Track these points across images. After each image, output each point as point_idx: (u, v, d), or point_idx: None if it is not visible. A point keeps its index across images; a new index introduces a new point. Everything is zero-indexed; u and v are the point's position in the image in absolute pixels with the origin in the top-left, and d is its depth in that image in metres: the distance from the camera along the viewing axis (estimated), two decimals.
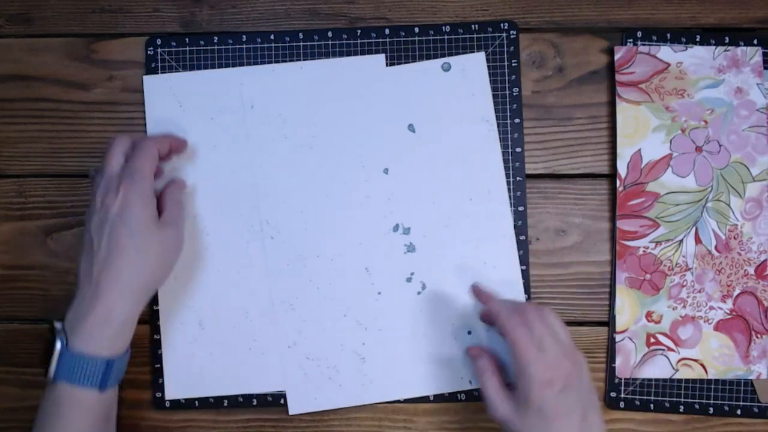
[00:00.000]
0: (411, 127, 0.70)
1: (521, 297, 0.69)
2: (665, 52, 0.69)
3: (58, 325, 0.59)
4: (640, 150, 0.69)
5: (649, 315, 0.69)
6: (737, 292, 0.69)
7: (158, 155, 0.63)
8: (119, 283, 0.59)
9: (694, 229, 0.69)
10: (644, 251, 0.69)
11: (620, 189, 0.69)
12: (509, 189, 0.70)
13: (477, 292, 0.67)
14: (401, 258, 0.69)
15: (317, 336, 0.69)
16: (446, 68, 0.70)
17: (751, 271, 0.68)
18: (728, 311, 0.68)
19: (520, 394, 0.57)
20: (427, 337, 0.69)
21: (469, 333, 0.69)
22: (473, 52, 0.71)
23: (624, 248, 0.69)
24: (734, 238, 0.68)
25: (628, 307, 0.69)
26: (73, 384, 0.57)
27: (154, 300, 0.70)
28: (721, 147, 0.69)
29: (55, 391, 0.58)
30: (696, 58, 0.69)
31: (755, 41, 0.69)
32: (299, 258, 0.70)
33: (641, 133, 0.69)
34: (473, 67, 0.70)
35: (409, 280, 0.69)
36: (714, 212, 0.69)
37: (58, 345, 0.57)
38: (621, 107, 0.69)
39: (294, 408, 0.69)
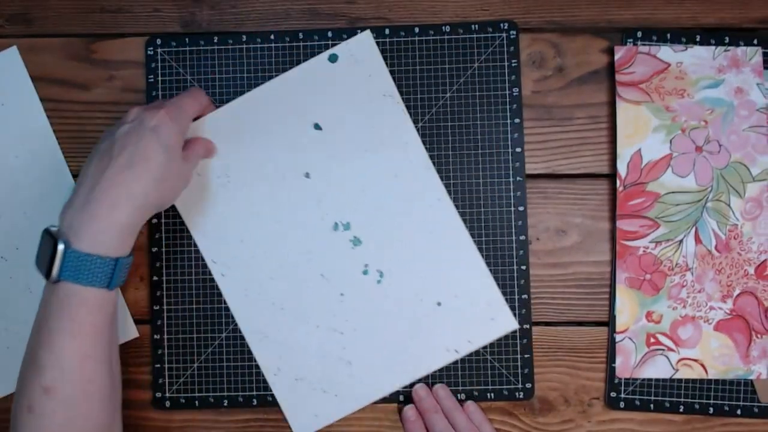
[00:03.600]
0: (317, 126, 0.70)
1: (477, 259, 0.69)
2: (665, 52, 0.69)
3: (53, 228, 0.59)
4: (640, 150, 0.69)
5: (649, 315, 0.69)
6: (737, 292, 0.69)
7: (200, 109, 0.66)
8: (132, 192, 0.59)
9: (694, 229, 0.69)
10: (644, 251, 0.69)
11: (620, 189, 0.69)
12: (509, 189, 0.70)
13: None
14: (350, 253, 0.69)
15: (298, 355, 0.69)
16: (333, 59, 0.70)
17: (751, 271, 0.68)
18: (728, 311, 0.68)
19: None
20: (401, 319, 0.69)
21: (439, 304, 0.69)
22: (473, 51, 0.71)
23: (624, 248, 0.69)
24: (734, 238, 0.68)
25: (628, 307, 0.69)
26: (80, 283, 0.57)
27: (154, 300, 0.70)
28: (721, 147, 0.69)
29: (60, 290, 0.57)
30: (696, 58, 0.69)
31: (755, 41, 0.69)
32: (255, 285, 0.70)
33: (641, 133, 0.69)
34: (362, 49, 0.70)
35: (365, 272, 0.69)
36: (714, 212, 0.69)
37: (61, 246, 0.57)
38: (621, 107, 0.69)
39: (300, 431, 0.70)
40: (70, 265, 0.57)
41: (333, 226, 0.70)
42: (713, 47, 0.69)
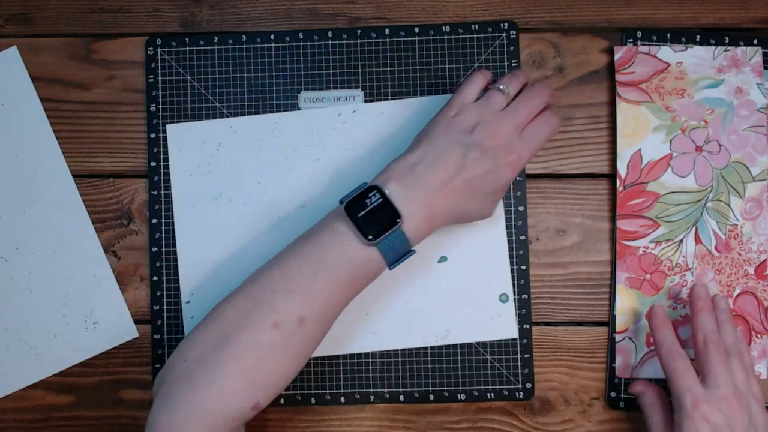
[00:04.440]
0: None
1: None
2: (665, 52, 0.69)
3: (384, 188, 0.59)
4: (640, 150, 0.69)
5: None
6: (737, 292, 0.69)
7: None
8: (458, 212, 0.61)
9: (694, 229, 0.69)
10: (644, 251, 0.69)
11: (620, 189, 0.69)
12: (509, 189, 0.70)
13: (652, 317, 0.66)
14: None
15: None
16: None
17: (751, 271, 0.68)
18: None
19: (675, 425, 0.60)
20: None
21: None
22: (473, 51, 0.71)
23: (624, 248, 0.69)
24: (734, 238, 0.68)
25: (628, 307, 0.69)
26: (382, 255, 0.59)
27: (154, 300, 0.70)
28: (721, 147, 0.69)
29: (362, 252, 0.59)
30: (696, 58, 0.69)
31: (755, 41, 0.69)
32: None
33: (641, 133, 0.69)
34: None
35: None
36: (714, 212, 0.69)
37: (399, 224, 0.58)
38: (621, 107, 0.69)
39: None
40: (392, 240, 0.58)
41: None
42: (713, 47, 0.69)
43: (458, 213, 0.61)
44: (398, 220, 0.58)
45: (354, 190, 0.60)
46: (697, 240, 0.68)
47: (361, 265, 0.59)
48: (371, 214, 0.58)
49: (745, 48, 0.69)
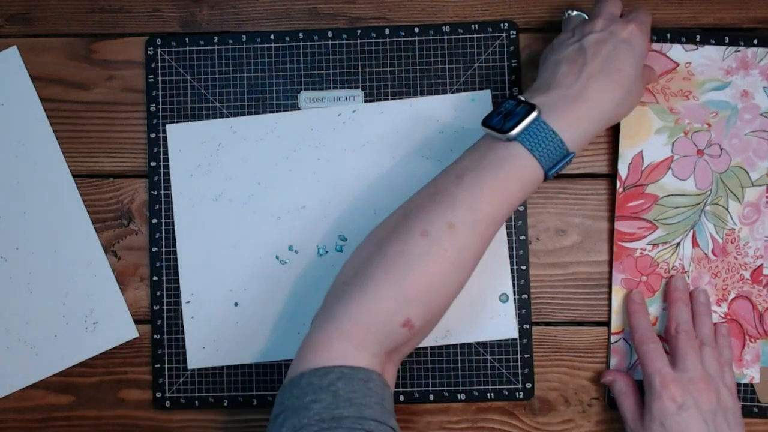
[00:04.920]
0: None
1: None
2: (676, 52, 0.69)
3: (520, 96, 0.59)
4: (642, 152, 0.69)
5: None
6: (732, 296, 0.69)
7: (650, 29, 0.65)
8: (601, 99, 0.58)
9: (691, 232, 0.68)
10: (641, 253, 0.69)
11: (620, 191, 0.69)
12: None
13: (629, 303, 0.68)
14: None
15: None
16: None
17: (747, 275, 0.68)
18: (723, 315, 0.68)
19: (645, 407, 0.61)
20: None
21: None
22: (473, 51, 0.71)
23: (621, 250, 0.69)
24: (731, 242, 0.68)
25: (623, 309, 0.69)
26: (531, 152, 0.56)
27: (154, 300, 0.70)
28: (722, 151, 0.69)
29: (507, 149, 0.57)
30: (705, 58, 0.69)
31: (755, 41, 0.69)
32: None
33: (644, 135, 0.69)
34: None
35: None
36: (712, 216, 0.68)
37: (535, 113, 0.56)
38: None
39: None
40: (533, 132, 0.56)
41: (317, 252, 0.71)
42: (723, 47, 0.69)
43: (606, 99, 0.58)
44: (534, 111, 0.56)
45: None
46: (695, 243, 0.68)
47: (506, 163, 0.57)
48: (506, 115, 0.57)
49: (755, 49, 0.69)
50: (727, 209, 0.68)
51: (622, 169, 0.69)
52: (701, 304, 0.67)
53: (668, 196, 0.69)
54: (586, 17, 0.65)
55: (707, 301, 0.68)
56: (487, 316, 0.69)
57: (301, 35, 0.72)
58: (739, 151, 0.69)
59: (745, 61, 0.69)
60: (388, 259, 0.55)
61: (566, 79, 0.58)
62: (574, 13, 0.66)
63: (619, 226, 0.69)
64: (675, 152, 0.69)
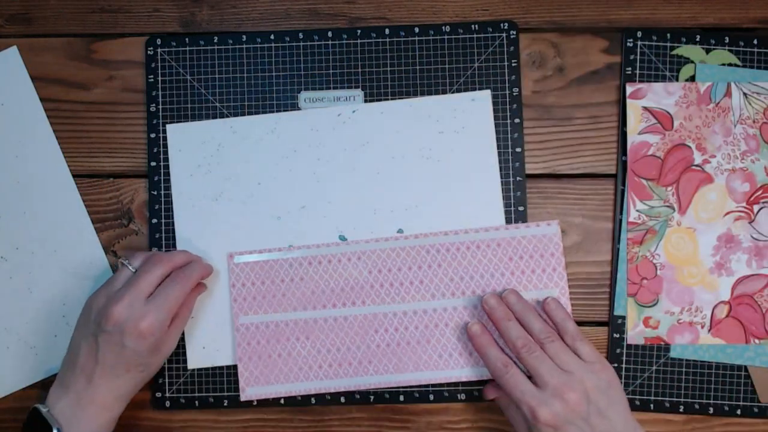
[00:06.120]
0: None
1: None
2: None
3: (42, 409, 0.61)
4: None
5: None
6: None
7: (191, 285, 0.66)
8: (121, 393, 0.63)
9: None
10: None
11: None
12: (509, 189, 0.69)
13: (472, 338, 0.66)
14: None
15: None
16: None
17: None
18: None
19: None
20: None
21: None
22: (473, 51, 0.71)
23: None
24: None
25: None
26: None
27: None
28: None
29: None
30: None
31: (755, 41, 0.69)
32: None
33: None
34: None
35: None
36: None
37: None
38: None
39: None
40: None
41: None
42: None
43: (130, 390, 0.64)
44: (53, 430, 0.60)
45: None
46: None
47: None
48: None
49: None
50: None
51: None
52: (514, 305, 0.65)
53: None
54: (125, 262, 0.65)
55: (519, 298, 0.66)
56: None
57: (301, 35, 0.72)
58: None
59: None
60: None
61: (80, 376, 0.62)
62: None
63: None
64: None
